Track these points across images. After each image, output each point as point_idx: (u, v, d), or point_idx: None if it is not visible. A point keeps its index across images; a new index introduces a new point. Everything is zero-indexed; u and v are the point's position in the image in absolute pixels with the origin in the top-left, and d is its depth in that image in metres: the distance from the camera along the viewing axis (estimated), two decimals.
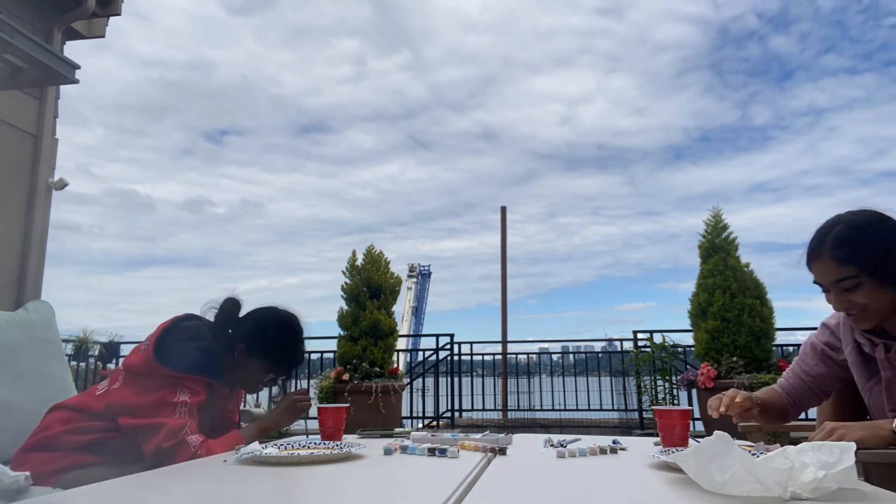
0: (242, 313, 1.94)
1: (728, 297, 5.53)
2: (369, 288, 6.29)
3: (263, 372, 1.91)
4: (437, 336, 7.68)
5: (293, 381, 2.11)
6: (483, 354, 8.50)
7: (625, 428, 6.88)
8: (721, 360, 5.39)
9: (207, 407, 1.76)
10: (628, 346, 7.48)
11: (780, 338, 5.77)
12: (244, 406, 2.15)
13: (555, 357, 10.01)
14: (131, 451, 1.61)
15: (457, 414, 7.69)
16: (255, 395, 7.51)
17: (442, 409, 7.58)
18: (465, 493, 1.01)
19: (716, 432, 0.99)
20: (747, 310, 5.44)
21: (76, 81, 5.02)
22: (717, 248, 5.79)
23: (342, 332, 6.30)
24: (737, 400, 1.58)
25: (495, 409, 8.18)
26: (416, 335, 16.85)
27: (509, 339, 8.60)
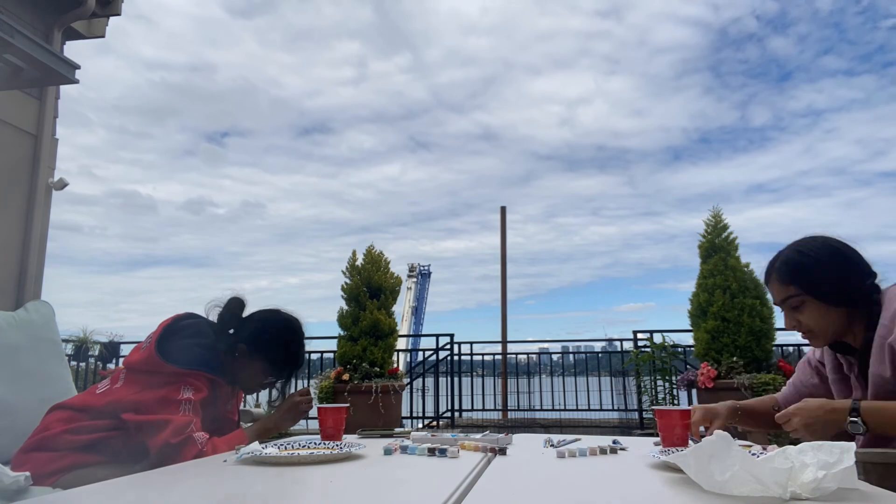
0: (246, 314, 1.94)
1: (728, 297, 5.52)
2: (369, 288, 6.29)
3: (263, 374, 1.91)
4: (437, 336, 7.68)
5: (292, 384, 2.11)
6: (483, 354, 8.52)
7: (625, 428, 6.88)
8: (721, 360, 5.39)
9: (210, 404, 1.76)
10: (628, 346, 7.48)
11: (780, 338, 5.76)
12: (244, 406, 2.15)
13: (555, 357, 10.02)
14: (134, 449, 1.61)
15: (457, 414, 7.69)
16: (254, 396, 7.51)
17: (442, 409, 7.58)
18: (465, 493, 1.01)
19: (716, 432, 0.99)
20: (747, 310, 5.44)
21: (76, 81, 5.02)
22: (717, 248, 5.79)
23: (342, 332, 6.29)
24: (694, 419, 1.61)
25: (495, 409, 8.17)
26: (416, 335, 16.83)
27: (509, 339, 8.59)
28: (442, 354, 7.61)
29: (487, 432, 1.67)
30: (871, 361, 1.54)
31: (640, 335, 7.06)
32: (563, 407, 7.95)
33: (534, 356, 8.92)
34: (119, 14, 6.57)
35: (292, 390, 2.02)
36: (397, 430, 1.99)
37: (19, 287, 5.79)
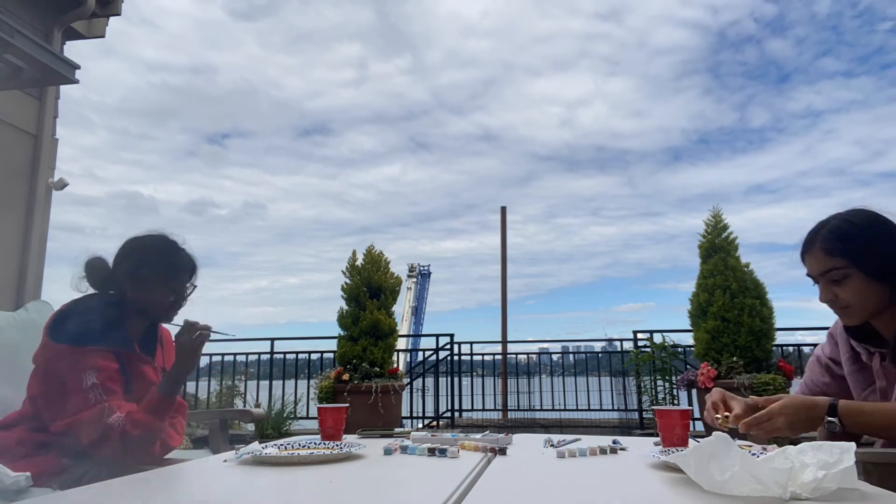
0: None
1: (728, 297, 5.52)
2: (369, 288, 6.29)
3: (159, 295, 1.83)
4: (437, 336, 7.68)
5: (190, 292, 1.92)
6: (483, 354, 8.52)
7: (625, 428, 6.88)
8: (721, 360, 5.39)
9: (126, 373, 1.71)
10: (628, 346, 7.48)
11: (780, 338, 5.77)
12: (244, 406, 2.13)
13: (555, 357, 10.01)
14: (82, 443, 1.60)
15: (457, 414, 7.69)
16: (254, 397, 7.52)
17: (442, 409, 7.58)
18: (465, 493, 1.01)
19: (715, 432, 0.99)
20: (747, 310, 5.44)
21: (76, 81, 5.02)
22: (718, 248, 5.79)
23: (342, 332, 6.30)
24: (714, 400, 1.58)
25: (495, 409, 8.17)
26: (416, 335, 16.84)
27: (509, 339, 8.60)
28: (442, 354, 7.61)
29: (487, 432, 1.66)
30: None
31: (640, 335, 7.06)
32: (563, 407, 7.94)
33: (534, 356, 8.93)
34: (119, 14, 6.57)
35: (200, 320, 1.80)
36: (397, 430, 1.99)
37: (19, 287, 5.79)
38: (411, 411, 7.64)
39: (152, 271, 1.82)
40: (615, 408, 7.65)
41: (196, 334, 1.75)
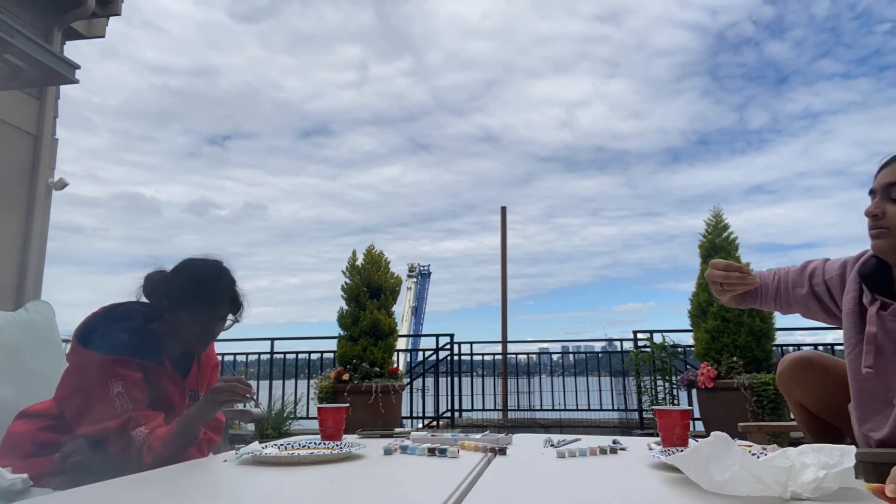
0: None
1: None
2: (369, 288, 6.29)
3: (192, 322, 1.79)
4: (437, 336, 7.68)
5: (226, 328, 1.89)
6: (483, 354, 8.51)
7: (625, 428, 6.88)
8: (721, 360, 5.39)
9: (151, 385, 1.70)
10: (628, 346, 7.47)
11: (780, 338, 5.76)
12: (244, 406, 2.13)
13: (555, 357, 10.02)
14: (102, 451, 1.60)
15: (457, 414, 7.69)
16: (254, 397, 7.51)
17: (442, 409, 7.58)
18: (465, 493, 1.01)
19: (714, 433, 0.99)
20: (747, 310, 5.44)
21: (76, 81, 5.02)
22: (718, 247, 5.79)
23: (342, 332, 6.30)
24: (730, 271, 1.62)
25: (495, 409, 8.17)
26: (416, 335, 16.83)
27: (509, 339, 8.59)
28: (442, 354, 7.61)
29: (487, 432, 1.67)
30: None
31: (640, 335, 7.06)
32: (563, 407, 7.94)
33: (534, 356, 8.92)
34: (119, 14, 6.57)
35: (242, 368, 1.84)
36: (397, 430, 1.99)
37: (19, 287, 5.79)
38: (411, 411, 7.64)
39: (191, 299, 1.78)
40: (615, 408, 7.65)
41: (225, 395, 1.65)
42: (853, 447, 0.96)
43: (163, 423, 1.64)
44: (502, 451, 1.45)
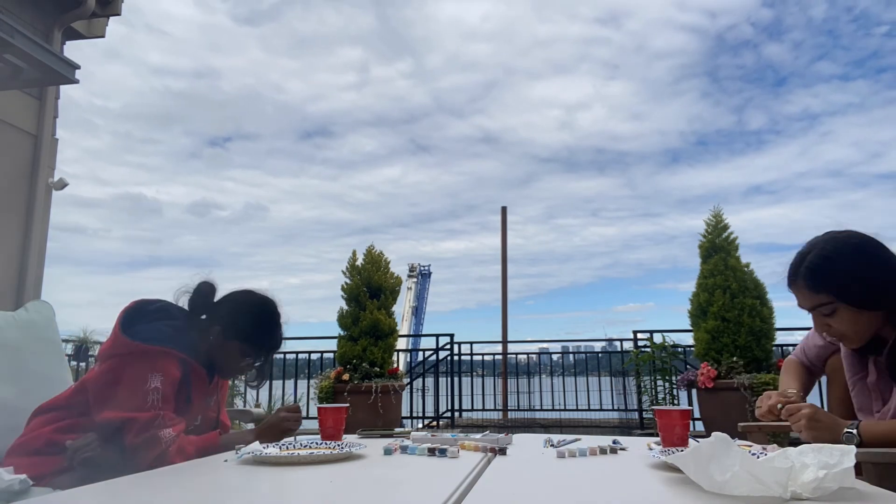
0: (217, 297, 1.89)
1: (728, 297, 5.52)
2: (369, 288, 6.29)
3: (240, 356, 1.84)
4: (437, 336, 7.68)
5: (291, 391, 2.03)
6: (483, 354, 8.51)
7: (625, 428, 6.88)
8: (721, 360, 5.38)
9: (184, 387, 1.70)
10: (628, 346, 7.47)
11: (780, 338, 5.75)
12: (244, 406, 2.13)
13: (555, 357, 10.02)
14: (116, 445, 1.58)
15: (457, 414, 7.68)
16: (255, 396, 7.52)
17: (442, 409, 7.58)
18: (465, 493, 1.01)
19: (714, 433, 0.99)
20: (747, 310, 5.43)
21: (76, 81, 5.02)
22: (718, 248, 5.78)
23: (342, 332, 6.29)
24: (771, 402, 1.61)
25: (495, 409, 8.17)
26: (416, 335, 16.83)
27: (509, 339, 8.59)
28: (442, 354, 7.61)
29: (487, 432, 1.67)
30: None
31: (640, 335, 7.05)
32: (563, 407, 7.94)
33: (534, 356, 8.93)
34: (119, 14, 6.57)
35: (284, 392, 1.95)
36: (397, 430, 1.99)
37: (19, 287, 5.79)
38: (411, 411, 7.64)
39: (245, 332, 1.82)
40: (615, 408, 7.65)
41: (291, 423, 1.83)
42: (853, 447, 0.96)
43: (184, 430, 1.64)
44: (502, 451, 1.45)
